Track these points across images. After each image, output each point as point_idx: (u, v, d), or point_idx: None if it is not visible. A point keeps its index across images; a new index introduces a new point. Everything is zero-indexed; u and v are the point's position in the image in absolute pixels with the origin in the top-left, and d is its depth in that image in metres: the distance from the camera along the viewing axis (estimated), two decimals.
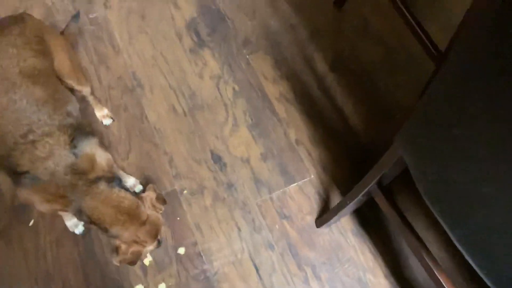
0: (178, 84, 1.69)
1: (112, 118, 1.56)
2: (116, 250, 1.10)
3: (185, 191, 1.48)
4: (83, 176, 1.04)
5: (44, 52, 1.13)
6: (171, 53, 1.75)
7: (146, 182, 1.48)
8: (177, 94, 1.67)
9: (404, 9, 1.47)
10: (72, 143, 1.04)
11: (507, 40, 0.54)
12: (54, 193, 1.03)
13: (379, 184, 1.11)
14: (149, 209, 1.14)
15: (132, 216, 1.08)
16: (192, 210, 1.45)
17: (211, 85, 1.70)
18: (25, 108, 1.01)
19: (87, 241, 1.37)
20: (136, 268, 1.34)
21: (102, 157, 1.12)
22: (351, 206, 1.28)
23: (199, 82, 1.70)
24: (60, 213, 1.32)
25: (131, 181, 1.43)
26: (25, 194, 1.04)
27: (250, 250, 1.41)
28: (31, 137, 0.99)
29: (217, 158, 1.55)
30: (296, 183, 1.53)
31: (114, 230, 1.07)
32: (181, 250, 1.38)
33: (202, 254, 1.39)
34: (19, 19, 1.15)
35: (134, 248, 1.10)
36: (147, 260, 1.35)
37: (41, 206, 1.08)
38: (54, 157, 1.01)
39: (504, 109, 0.59)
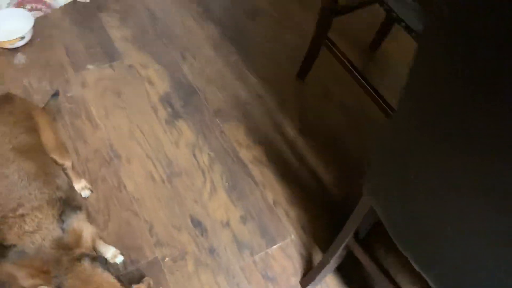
0: (155, 153, 1.78)
1: (90, 189, 1.60)
2: None
3: (166, 259, 1.50)
4: (69, 252, 1.05)
5: (33, 128, 1.20)
6: (147, 125, 1.86)
7: (126, 252, 1.48)
8: (154, 163, 1.75)
9: (361, 78, 1.70)
10: (60, 218, 1.06)
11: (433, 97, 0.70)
12: (38, 268, 1.02)
13: (356, 236, 1.20)
14: None
15: None
16: (175, 277, 1.46)
17: (187, 152, 1.80)
18: (17, 182, 1.05)
19: None
20: None
21: (88, 232, 1.13)
22: (334, 262, 1.34)
23: (175, 150, 1.80)
24: None
25: (111, 252, 1.43)
26: (9, 268, 1.03)
27: None
28: (20, 211, 1.02)
29: (197, 223, 1.60)
30: (277, 244, 1.58)
31: None
32: None
33: None
34: (8, 98, 1.24)
35: None
36: None
37: (25, 281, 1.07)
38: (42, 231, 1.02)
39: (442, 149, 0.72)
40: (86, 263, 1.04)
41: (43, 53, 2.05)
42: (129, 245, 1.51)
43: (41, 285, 1.07)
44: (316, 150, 1.87)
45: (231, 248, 1.56)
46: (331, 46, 1.79)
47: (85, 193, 1.59)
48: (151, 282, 1.16)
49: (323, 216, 1.67)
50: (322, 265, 1.33)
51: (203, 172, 1.75)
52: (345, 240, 1.18)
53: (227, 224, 1.62)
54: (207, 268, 1.50)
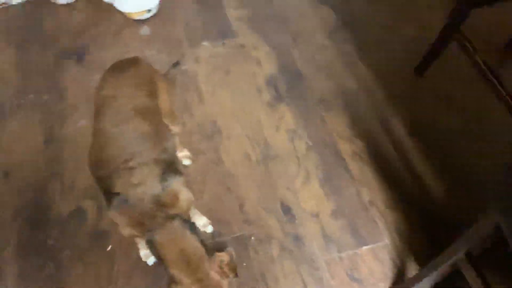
0: (254, 134, 1.82)
1: (191, 159, 1.70)
2: None
3: (252, 238, 1.54)
4: (164, 209, 1.12)
5: (153, 93, 1.31)
6: (250, 105, 1.91)
7: (215, 225, 1.55)
8: (252, 144, 1.79)
9: (496, 82, 1.50)
10: (162, 176, 1.14)
11: None
12: (135, 219, 1.12)
13: (468, 255, 1.08)
14: (214, 269, 1.11)
15: (191, 267, 1.08)
16: (259, 258, 1.49)
17: (286, 138, 1.80)
18: (132, 139, 1.16)
19: (157, 273, 1.45)
20: None
21: (184, 196, 1.20)
22: (432, 278, 1.24)
23: (274, 134, 1.82)
24: (136, 241, 1.42)
25: (202, 221, 1.52)
26: (114, 214, 1.15)
27: None
28: (130, 164, 1.12)
29: (286, 209, 1.61)
30: (369, 246, 1.52)
31: (171, 272, 1.08)
32: None
33: None
34: (135, 61, 1.36)
35: None
36: None
37: (124, 228, 1.18)
38: (145, 185, 1.11)
39: None
40: (177, 223, 1.12)
41: (165, 27, 2.21)
42: (219, 218, 1.58)
43: (137, 236, 1.17)
44: (425, 154, 1.73)
45: (317, 240, 1.54)
46: (463, 41, 1.61)
47: (186, 162, 1.69)
48: (234, 254, 1.16)
49: (423, 226, 1.55)
50: (420, 277, 1.24)
51: (298, 159, 1.74)
52: (453, 257, 1.07)
53: (317, 216, 1.59)
54: (291, 255, 1.50)
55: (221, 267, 1.12)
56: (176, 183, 1.17)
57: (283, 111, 1.88)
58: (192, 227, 1.16)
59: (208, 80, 1.99)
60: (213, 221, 1.56)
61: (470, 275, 1.05)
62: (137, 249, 1.49)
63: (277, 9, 2.28)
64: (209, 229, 1.53)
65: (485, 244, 1.03)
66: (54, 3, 2.29)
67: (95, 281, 1.45)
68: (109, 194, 1.12)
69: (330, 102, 1.90)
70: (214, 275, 1.10)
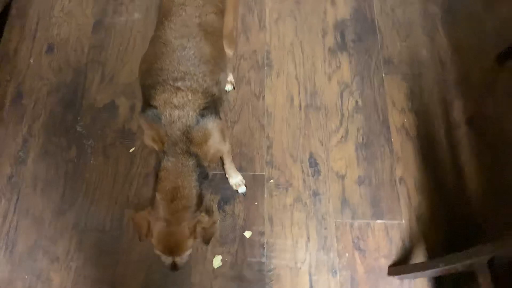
0: (304, 78, 1.81)
1: (233, 85, 1.73)
2: (136, 214, 1.16)
3: (271, 180, 1.60)
4: (188, 143, 1.13)
5: (222, 11, 1.27)
6: (310, 46, 1.88)
7: (239, 158, 1.62)
8: (300, 87, 1.79)
9: None
10: (203, 111, 1.14)
11: None
12: (159, 136, 1.15)
13: (491, 263, 1.10)
14: (188, 223, 1.13)
15: (171, 206, 1.11)
16: (272, 201, 1.57)
17: (336, 90, 1.79)
18: (189, 57, 1.15)
19: None
20: None
21: (214, 143, 1.20)
22: (439, 271, 1.28)
23: (325, 83, 1.81)
24: None
25: (237, 179, 1.56)
26: (142, 121, 1.20)
27: (311, 264, 1.48)
28: (179, 83, 1.13)
29: (313, 163, 1.64)
30: (383, 221, 1.56)
31: (156, 197, 1.13)
32: (248, 234, 1.50)
33: (265, 246, 1.50)
34: None
35: (142, 225, 1.14)
36: None
37: (147, 139, 1.22)
38: (183, 111, 1.12)
39: None
40: (190, 163, 1.13)
41: None
42: (244, 152, 1.65)
43: (155, 149, 1.21)
44: (476, 148, 1.69)
45: (334, 201, 1.59)
46: None
47: (228, 87, 1.72)
48: (218, 227, 1.18)
49: (447, 219, 1.56)
50: (427, 267, 1.28)
51: (342, 116, 1.74)
52: (475, 259, 1.09)
53: (342, 178, 1.63)
54: (303, 208, 1.57)
55: (195, 227, 1.12)
56: (212, 124, 1.16)
57: (342, 61, 1.84)
58: (202, 176, 1.16)
59: (275, 5, 1.96)
60: (238, 153, 1.62)
61: (485, 282, 1.08)
62: (156, 159, 1.58)
63: None
64: (242, 189, 1.57)
65: (510, 258, 1.04)
66: None
67: (112, 176, 1.58)
68: (147, 102, 1.15)
69: (396, 67, 1.85)
70: (185, 228, 1.12)
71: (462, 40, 1.89)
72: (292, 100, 1.76)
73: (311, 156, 1.66)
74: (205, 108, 1.13)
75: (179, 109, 1.11)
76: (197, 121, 1.12)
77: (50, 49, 1.78)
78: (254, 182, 1.58)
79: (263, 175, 1.61)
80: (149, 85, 1.15)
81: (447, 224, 1.56)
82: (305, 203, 1.58)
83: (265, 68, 1.82)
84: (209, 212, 1.24)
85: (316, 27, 1.92)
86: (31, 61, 1.75)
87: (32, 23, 1.84)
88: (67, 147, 1.60)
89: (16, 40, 1.80)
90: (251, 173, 1.61)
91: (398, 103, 1.78)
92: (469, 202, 1.59)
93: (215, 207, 1.56)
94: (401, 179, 1.64)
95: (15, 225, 1.49)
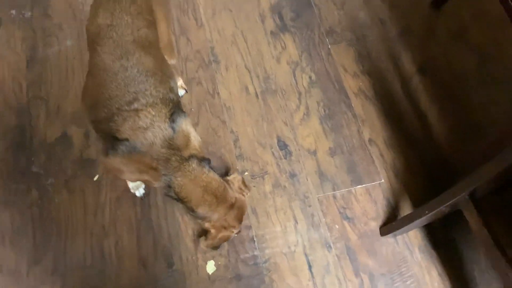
0: (254, 65, 1.76)
1: (185, 89, 1.66)
2: (205, 234, 1.18)
3: (246, 173, 1.54)
4: (178, 152, 1.09)
5: (153, 23, 1.20)
6: (251, 33, 1.83)
7: (210, 158, 1.54)
8: (251, 75, 1.74)
9: None
10: (171, 118, 1.09)
11: None
12: (147, 165, 1.08)
13: (472, 196, 1.08)
14: (235, 192, 1.22)
15: (219, 198, 1.15)
16: (252, 193, 1.51)
17: (288, 70, 1.75)
18: (135, 76, 1.07)
19: (145, 205, 1.48)
20: (188, 240, 1.42)
21: (195, 137, 1.18)
22: (426, 218, 1.26)
23: (275, 66, 1.76)
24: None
25: None
26: (117, 161, 1.09)
27: (305, 245, 1.43)
28: (135, 105, 1.05)
29: (283, 145, 1.60)
30: (363, 185, 1.53)
31: (201, 211, 1.13)
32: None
33: (255, 239, 1.44)
34: None
35: (223, 233, 1.19)
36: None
37: (131, 175, 1.15)
38: (154, 128, 1.06)
39: None
40: (194, 164, 1.11)
41: None
42: (212, 152, 1.58)
43: (148, 181, 1.14)
44: (433, 93, 1.69)
45: (312, 177, 1.54)
46: None
47: (180, 92, 1.65)
48: (238, 170, 1.32)
49: (421, 169, 1.55)
50: (414, 217, 1.26)
51: (299, 94, 1.70)
52: (456, 197, 1.08)
53: (314, 153, 1.59)
54: (284, 192, 1.52)
55: (239, 187, 1.25)
56: (185, 124, 1.12)
57: (286, 42, 1.81)
58: (208, 163, 1.16)
59: (208, 1, 1.90)
60: (207, 153, 1.55)
61: (471, 216, 1.07)
62: (124, 180, 1.49)
63: None
64: None
65: (489, 187, 1.03)
66: None
67: (81, 209, 1.47)
68: (112, 139, 1.06)
69: (339, 35, 1.83)
70: (239, 196, 1.21)
71: None
72: (247, 89, 1.71)
73: (279, 139, 1.61)
74: (172, 114, 1.08)
75: (150, 129, 1.04)
76: (173, 129, 1.07)
77: None
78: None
79: (237, 169, 1.55)
80: (104, 118, 1.06)
81: (424, 172, 1.55)
82: (284, 186, 1.53)
83: (213, 64, 1.76)
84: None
85: (253, 14, 1.88)
86: None
87: None
88: (27, 191, 1.49)
89: None
90: (225, 171, 1.54)
91: (349, 69, 1.76)
92: (439, 146, 1.59)
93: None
94: (370, 140, 1.61)
95: None
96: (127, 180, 1.47)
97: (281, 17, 1.87)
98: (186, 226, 1.45)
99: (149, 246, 1.42)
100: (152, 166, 1.08)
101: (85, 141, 1.58)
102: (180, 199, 1.13)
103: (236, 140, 1.61)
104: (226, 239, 1.23)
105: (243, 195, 1.27)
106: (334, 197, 1.51)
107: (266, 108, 1.67)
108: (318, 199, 1.50)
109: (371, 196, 1.51)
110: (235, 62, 1.77)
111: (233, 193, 1.20)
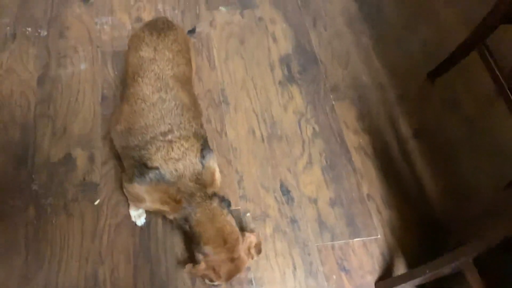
0: (261, 110, 1.80)
1: None
2: (194, 264, 1.14)
3: (248, 214, 1.53)
4: (203, 188, 1.10)
5: (190, 62, 1.26)
6: (261, 80, 1.89)
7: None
8: (259, 119, 1.78)
9: None
10: (202, 153, 1.11)
11: None
12: (171, 196, 1.08)
13: (476, 260, 1.11)
14: (243, 250, 1.16)
15: (228, 245, 1.12)
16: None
17: (293, 119, 1.80)
18: (172, 109, 1.11)
19: (144, 235, 1.43)
20: (186, 276, 1.37)
21: (218, 176, 1.18)
22: (425, 278, 1.27)
23: (282, 113, 1.81)
24: (130, 202, 1.38)
25: None
26: (142, 189, 1.09)
27: None
28: (170, 136, 1.07)
29: (285, 191, 1.61)
30: (361, 238, 1.55)
31: (206, 248, 1.11)
32: None
33: (253, 281, 1.41)
34: (170, 25, 1.30)
35: (209, 273, 1.13)
36: None
37: (151, 204, 1.13)
38: (185, 161, 1.07)
39: None
40: (216, 203, 1.10)
41: None
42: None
43: (164, 211, 1.13)
44: (428, 157, 1.77)
45: (312, 225, 1.55)
46: (486, 54, 1.64)
47: None
48: (259, 234, 1.24)
49: (416, 227, 1.59)
50: (414, 275, 1.27)
51: (303, 143, 1.74)
52: (460, 259, 1.10)
53: (315, 201, 1.61)
54: (284, 237, 1.51)
55: (249, 249, 1.17)
56: (212, 161, 1.14)
57: (293, 92, 1.87)
58: (228, 206, 1.15)
59: (222, 46, 1.96)
60: None
61: (474, 279, 1.09)
62: (125, 207, 1.45)
63: None
64: None
65: (493, 250, 1.07)
66: None
67: (78, 233, 1.41)
68: (140, 166, 1.06)
69: (342, 92, 1.91)
70: (244, 256, 1.14)
71: (395, 63, 2.02)
72: (253, 132, 1.74)
73: (282, 184, 1.62)
74: (202, 150, 1.09)
75: (181, 160, 1.06)
76: (202, 164, 1.08)
77: None
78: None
79: (239, 209, 1.54)
80: (137, 145, 1.07)
81: (418, 230, 1.59)
82: (285, 231, 1.52)
83: (222, 105, 1.79)
84: (244, 229, 1.27)
85: (264, 62, 1.95)
86: None
87: None
88: (24, 209, 1.41)
89: None
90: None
91: (351, 125, 1.83)
92: (433, 207, 1.64)
93: (244, 219, 1.51)
94: (368, 195, 1.65)
95: None
96: (131, 209, 1.42)
97: (289, 69, 1.95)
98: (185, 261, 1.40)
99: (146, 278, 1.36)
100: (175, 198, 1.08)
101: (89, 164, 1.54)
102: (192, 233, 1.11)
103: (240, 181, 1.61)
104: (208, 279, 1.17)
105: (248, 257, 1.20)
106: (333, 247, 1.51)
107: (271, 152, 1.69)
108: (317, 248, 1.50)
109: (367, 249, 1.52)
110: (244, 105, 1.81)
111: (241, 249, 1.16)
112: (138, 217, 1.42)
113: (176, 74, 1.16)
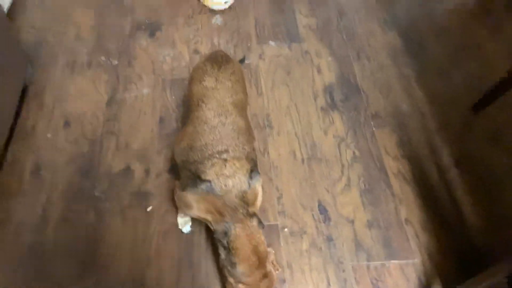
0: (303, 134, 1.88)
1: None
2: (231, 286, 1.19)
3: (285, 229, 1.59)
4: (246, 206, 1.19)
5: (245, 90, 1.43)
6: (304, 106, 1.98)
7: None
8: (300, 143, 1.85)
9: None
10: (251, 174, 1.21)
11: None
12: (216, 208, 1.18)
13: (509, 277, 1.09)
14: (270, 264, 1.22)
15: (261, 262, 1.17)
16: (288, 248, 1.54)
17: (333, 143, 1.86)
18: (229, 132, 1.25)
19: (189, 242, 1.53)
20: None
21: (260, 199, 1.28)
22: None
23: (322, 137, 1.88)
24: (179, 208, 1.49)
25: None
26: (193, 197, 1.21)
27: None
28: (225, 156, 1.20)
29: (323, 210, 1.65)
30: (397, 261, 1.54)
31: (242, 268, 1.16)
32: None
33: None
34: (227, 58, 1.47)
35: None
36: None
37: (197, 212, 1.23)
38: (235, 179, 1.18)
39: None
40: (255, 222, 1.19)
41: (237, 20, 2.34)
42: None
43: (206, 221, 1.23)
44: (468, 186, 1.74)
45: (348, 245, 1.57)
46: None
47: None
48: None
49: (456, 252, 1.56)
50: None
51: (342, 166, 1.79)
52: (493, 279, 1.09)
53: (352, 222, 1.63)
54: (319, 253, 1.54)
55: (273, 262, 1.22)
56: (258, 183, 1.24)
57: (334, 118, 1.94)
58: (262, 227, 1.22)
59: (269, 76, 2.08)
60: None
61: None
62: (173, 216, 1.56)
63: (346, 24, 2.36)
64: None
65: None
66: None
67: (131, 236, 1.53)
68: (195, 178, 1.19)
69: (383, 120, 1.94)
70: (272, 269, 1.20)
71: (437, 94, 2.04)
72: (294, 154, 1.81)
73: (319, 203, 1.67)
74: (252, 171, 1.20)
75: (231, 178, 1.16)
76: (249, 185, 1.18)
77: (66, 124, 1.82)
78: (270, 231, 1.56)
79: (277, 224, 1.60)
80: (195, 161, 1.21)
81: (456, 256, 1.56)
82: (320, 248, 1.56)
83: (267, 128, 1.89)
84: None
85: (307, 91, 2.04)
86: (49, 135, 1.77)
87: (48, 101, 1.89)
88: (86, 212, 1.57)
89: (33, 118, 1.83)
90: (266, 223, 1.59)
91: (391, 152, 1.85)
92: (473, 235, 1.61)
93: (282, 234, 1.60)
94: (406, 220, 1.65)
95: None
96: (178, 216, 1.53)
97: (332, 97, 2.02)
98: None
99: (188, 283, 1.44)
100: (220, 211, 1.17)
101: (145, 176, 1.68)
102: (229, 249, 1.17)
103: (279, 198, 1.68)
104: None
105: (275, 269, 1.25)
106: (368, 267, 1.52)
107: (310, 173, 1.75)
108: (352, 267, 1.51)
109: (404, 273, 1.51)
110: (286, 129, 1.90)
111: (268, 264, 1.21)
112: (184, 224, 1.52)
113: (234, 101, 1.31)
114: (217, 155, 1.19)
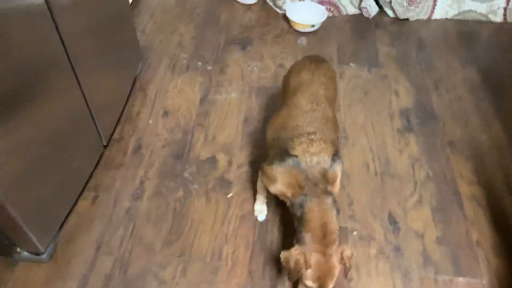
0: (377, 150, 1.93)
1: None
2: (290, 251, 1.20)
3: (354, 232, 1.62)
4: (325, 184, 1.25)
5: (336, 89, 1.57)
6: (379, 125, 2.03)
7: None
8: (373, 157, 1.90)
9: None
10: (334, 157, 1.29)
11: None
12: (297, 181, 1.26)
13: None
14: (336, 254, 1.19)
15: (326, 240, 1.19)
16: (356, 251, 1.57)
17: (407, 162, 1.89)
18: (318, 118, 1.37)
19: (263, 229, 1.61)
20: None
21: (339, 183, 1.33)
22: None
23: (396, 155, 1.91)
24: (259, 196, 1.59)
25: None
26: (278, 170, 1.29)
27: None
28: (312, 136, 1.30)
29: (392, 221, 1.67)
30: (465, 278, 1.51)
31: (305, 236, 1.20)
32: None
33: None
34: (323, 59, 1.64)
35: (299, 258, 1.16)
36: None
37: (279, 186, 1.30)
38: (319, 156, 1.26)
39: None
40: (329, 200, 1.24)
41: (320, 43, 2.48)
42: None
43: (284, 195, 1.29)
44: None
45: (416, 257, 1.57)
46: None
47: None
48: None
49: None
50: None
51: (415, 184, 1.80)
52: None
53: (421, 236, 1.63)
54: (387, 260, 1.55)
55: (342, 257, 1.20)
56: (339, 168, 1.31)
57: (409, 140, 1.97)
58: (338, 210, 1.25)
59: (347, 94, 2.17)
60: None
61: None
62: (250, 204, 1.66)
63: (426, 56, 2.42)
64: None
65: None
66: (234, 1, 2.71)
67: (212, 216, 1.65)
68: (283, 153, 1.29)
69: (459, 148, 1.95)
70: (335, 260, 1.19)
71: None
72: (367, 166, 1.86)
73: (389, 215, 1.69)
74: (334, 155, 1.28)
75: (316, 155, 1.25)
76: (331, 165, 1.25)
77: (165, 114, 2.01)
78: (339, 232, 1.59)
79: (347, 227, 1.64)
80: (285, 138, 1.31)
81: None
82: (388, 256, 1.57)
83: (342, 139, 1.96)
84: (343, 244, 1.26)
85: (383, 111, 2.10)
86: (150, 121, 1.97)
87: (152, 94, 2.11)
88: (176, 189, 1.71)
89: (138, 106, 2.05)
90: None
91: (465, 177, 1.84)
92: None
93: (351, 237, 1.61)
94: (477, 242, 1.62)
95: (130, 250, 1.54)
96: (256, 204, 1.63)
97: (408, 120, 2.06)
98: None
99: (259, 264, 1.51)
100: (300, 184, 1.24)
101: (228, 166, 1.81)
102: (301, 219, 1.21)
103: (350, 203, 1.72)
104: (298, 267, 1.16)
105: (341, 262, 1.19)
106: (435, 280, 1.50)
107: (382, 186, 1.78)
108: (419, 277, 1.51)
109: None
110: (361, 143, 1.96)
111: (334, 252, 1.19)
112: (260, 212, 1.62)
113: (326, 94, 1.44)
114: (306, 135, 1.28)
